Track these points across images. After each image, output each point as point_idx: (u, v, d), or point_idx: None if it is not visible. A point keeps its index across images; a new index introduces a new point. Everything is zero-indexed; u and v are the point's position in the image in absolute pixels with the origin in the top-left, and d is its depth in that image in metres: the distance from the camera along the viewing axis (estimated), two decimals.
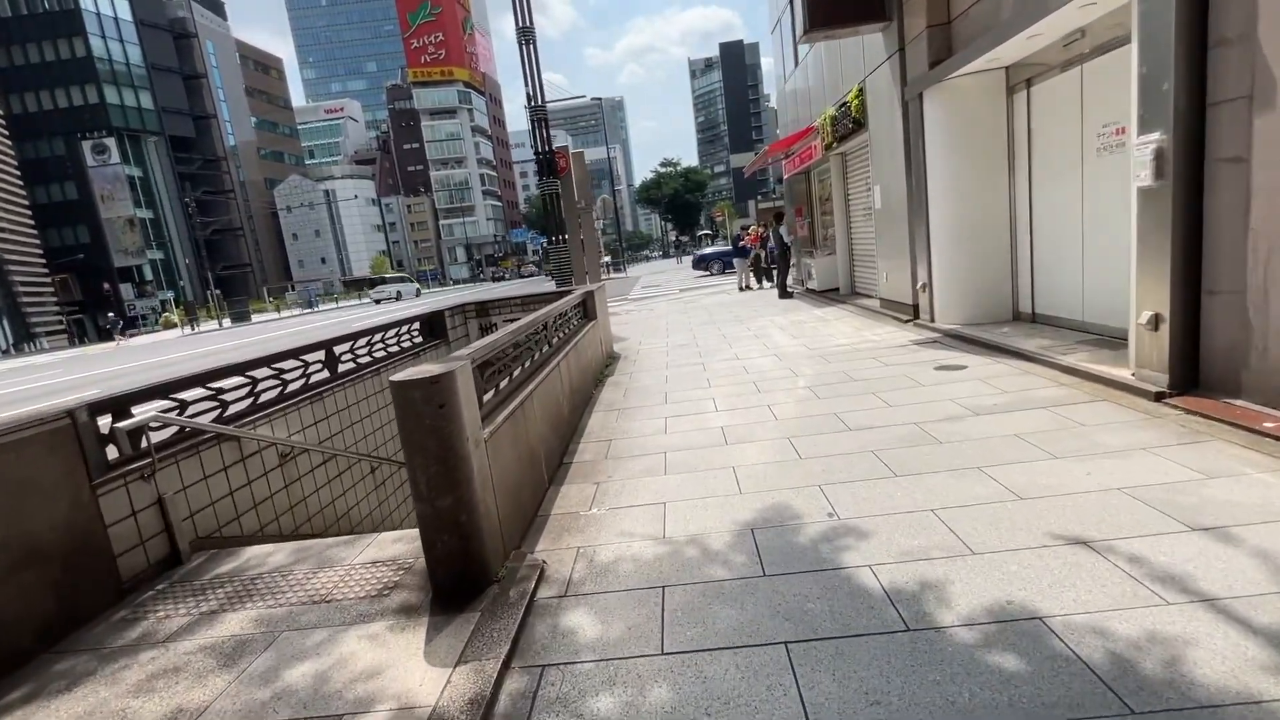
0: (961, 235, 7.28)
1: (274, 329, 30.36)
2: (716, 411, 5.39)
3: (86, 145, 53.85)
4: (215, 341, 25.89)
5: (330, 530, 5.03)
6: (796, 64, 13.83)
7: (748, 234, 19.27)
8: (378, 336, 6.49)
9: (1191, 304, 3.97)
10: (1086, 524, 2.71)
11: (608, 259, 47.86)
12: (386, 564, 3.15)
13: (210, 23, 72.47)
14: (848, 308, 11.10)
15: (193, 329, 37.94)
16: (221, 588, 3.08)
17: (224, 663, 2.43)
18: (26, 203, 46.76)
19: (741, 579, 2.65)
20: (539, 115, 13.23)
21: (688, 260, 50.02)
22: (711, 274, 26.22)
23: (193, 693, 2.27)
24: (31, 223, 46.89)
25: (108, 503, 3.05)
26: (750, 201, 51.55)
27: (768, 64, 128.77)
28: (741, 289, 17.75)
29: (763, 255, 18.32)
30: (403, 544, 3.33)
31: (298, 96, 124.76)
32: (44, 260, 47.48)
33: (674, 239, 75.61)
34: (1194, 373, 4.03)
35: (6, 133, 45.93)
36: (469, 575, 2.72)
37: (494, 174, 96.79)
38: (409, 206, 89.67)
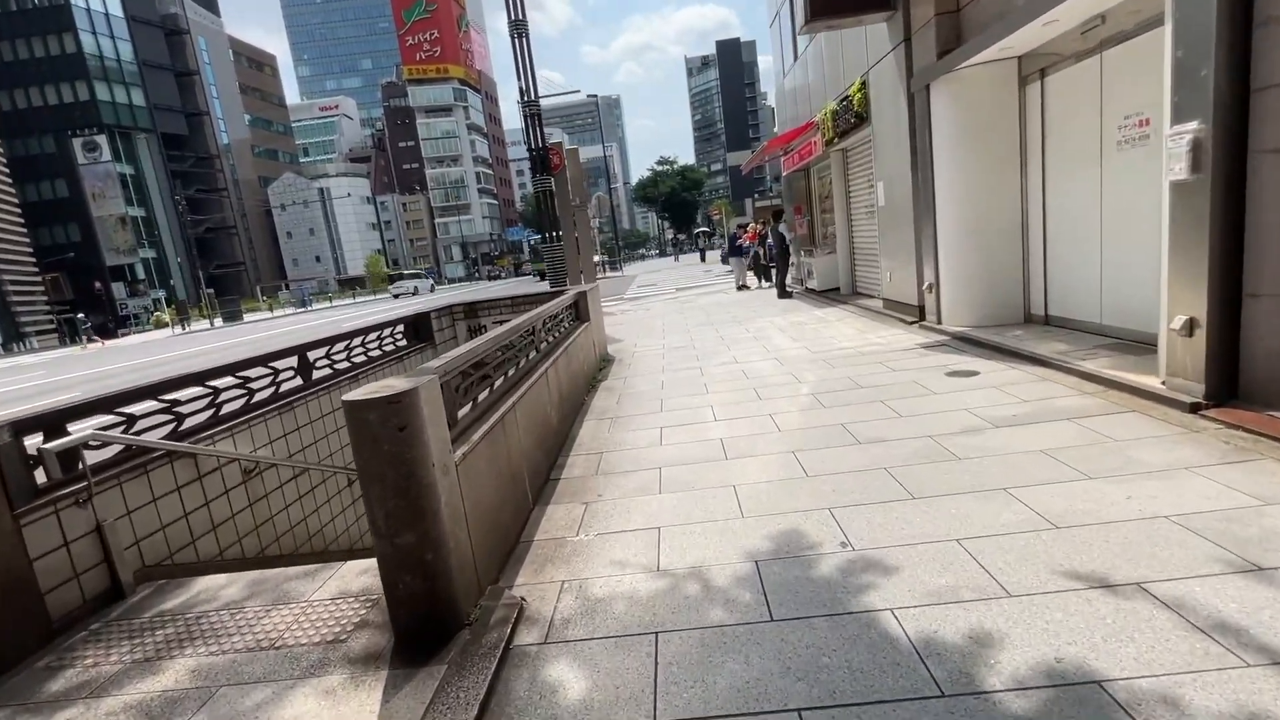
0: (970, 233, 6.96)
1: (265, 328, 29.95)
2: (715, 421, 5.07)
3: (77, 142, 53.25)
4: (204, 342, 25.49)
5: (302, 548, 4.70)
6: (796, 58, 13.51)
7: (746, 232, 18.91)
8: (357, 340, 6.16)
9: (1231, 308, 3.66)
10: (1136, 560, 2.39)
11: (601, 258, 47.49)
12: (350, 599, 2.82)
13: (203, 19, 71.80)
14: (849, 308, 10.78)
15: (184, 328, 37.50)
16: (162, 628, 2.75)
17: None
18: (16, 201, 46.20)
19: (746, 624, 2.33)
20: (532, 110, 12.88)
21: (685, 259, 49.68)
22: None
23: None
24: (21, 221, 46.31)
25: (34, 533, 2.71)
26: (747, 200, 51.26)
27: (765, 62, 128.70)
28: (739, 288, 17.43)
29: (761, 254, 18.01)
30: (370, 575, 3.00)
31: (292, 94, 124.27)
32: (34, 259, 46.91)
33: (671, 238, 75.24)
34: (1232, 382, 3.72)
35: None
36: (436, 619, 2.39)
37: (490, 172, 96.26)
38: (404, 205, 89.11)
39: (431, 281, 55.14)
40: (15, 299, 44.21)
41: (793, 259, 15.25)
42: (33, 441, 2.83)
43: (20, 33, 53.55)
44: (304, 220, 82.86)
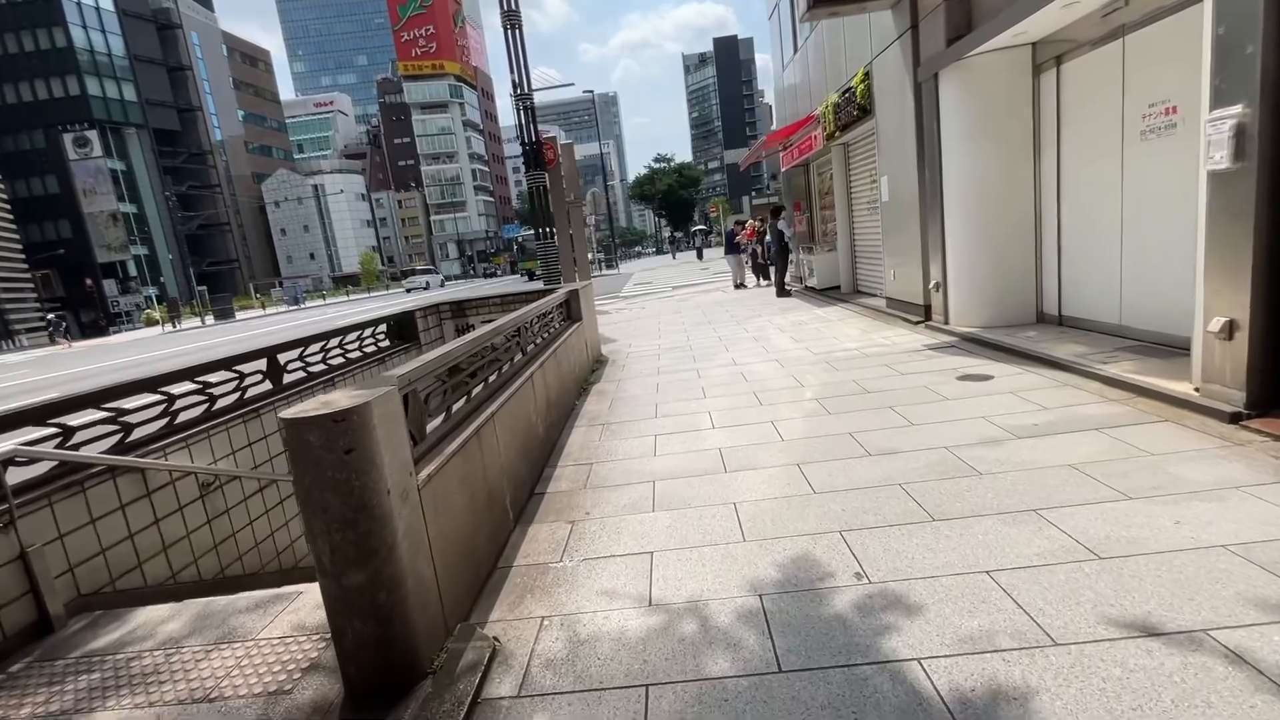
0: (980, 230, 6.65)
1: (257, 326, 29.54)
2: (713, 429, 4.75)
3: (68, 138, 52.58)
4: (192, 340, 25.09)
5: (268, 565, 4.37)
6: (796, 49, 13.17)
7: (744, 229, 18.56)
8: (334, 342, 5.82)
9: (1276, 308, 3.35)
10: (1197, 601, 2.09)
11: (598, 255, 47.17)
12: (303, 636, 2.50)
13: (195, 14, 71.06)
14: (851, 307, 10.47)
15: (174, 326, 37.03)
16: (89, 672, 2.43)
17: None
18: (5, 197, 45.57)
19: (750, 676, 2.02)
20: (525, 103, 12.55)
21: (682, 256, 49.27)
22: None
23: None
24: (10, 217, 45.69)
25: None
26: (745, 197, 50.95)
27: (762, 60, 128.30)
28: (737, 286, 17.11)
29: (759, 251, 17.69)
30: None
31: (287, 90, 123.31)
32: (23, 256, 46.31)
33: (668, 235, 74.87)
34: (1277, 391, 3.42)
35: None
36: (393, 669, 2.07)
37: (486, 169, 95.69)
38: (400, 202, 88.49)
39: (441, 277, 59.48)
40: (4, 296, 43.65)
41: (792, 256, 14.92)
42: None
43: (9, 26, 52.81)
44: (298, 217, 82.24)
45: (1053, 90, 5.99)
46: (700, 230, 54.02)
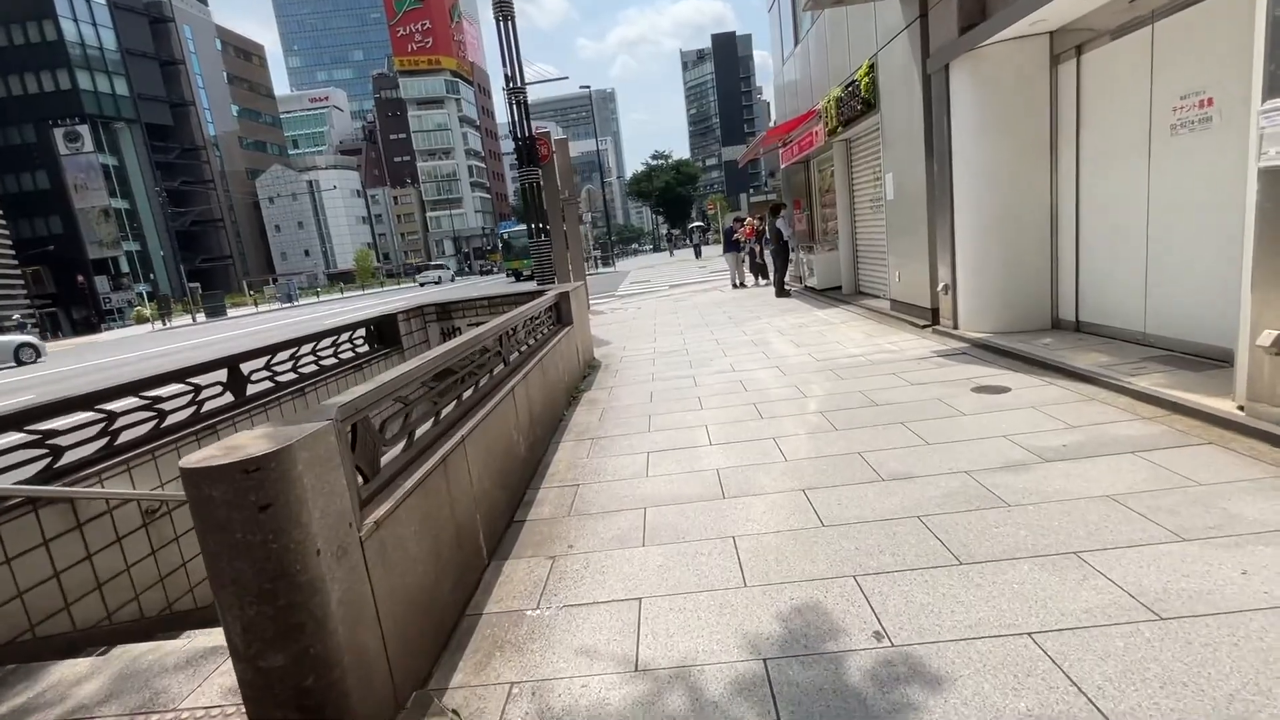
0: (993, 229, 6.30)
1: (248, 324, 29.09)
2: (710, 445, 4.40)
3: (58, 132, 51.90)
4: (180, 339, 24.66)
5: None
6: (796, 42, 12.80)
7: (742, 227, 18.18)
8: (307, 348, 5.46)
9: None
10: None
11: (594, 253, 46.72)
12: (232, 707, 2.14)
13: (189, 7, 70.26)
14: (853, 309, 10.13)
15: (164, 324, 36.55)
16: None
17: None
18: None
19: None
20: (518, 96, 12.16)
21: (680, 254, 48.90)
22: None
23: None
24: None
25: None
26: (743, 195, 50.56)
27: (761, 56, 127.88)
28: (735, 286, 16.75)
29: (758, 250, 17.33)
30: None
31: (282, 85, 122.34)
32: (13, 251, 45.71)
33: (665, 232, 74.41)
34: None
35: None
36: None
37: (482, 165, 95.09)
38: (395, 198, 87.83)
39: (452, 272, 61.84)
40: None
41: (791, 256, 14.56)
42: None
43: None
44: (293, 213, 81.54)
45: (1072, 82, 5.64)
46: (698, 228, 53.47)
